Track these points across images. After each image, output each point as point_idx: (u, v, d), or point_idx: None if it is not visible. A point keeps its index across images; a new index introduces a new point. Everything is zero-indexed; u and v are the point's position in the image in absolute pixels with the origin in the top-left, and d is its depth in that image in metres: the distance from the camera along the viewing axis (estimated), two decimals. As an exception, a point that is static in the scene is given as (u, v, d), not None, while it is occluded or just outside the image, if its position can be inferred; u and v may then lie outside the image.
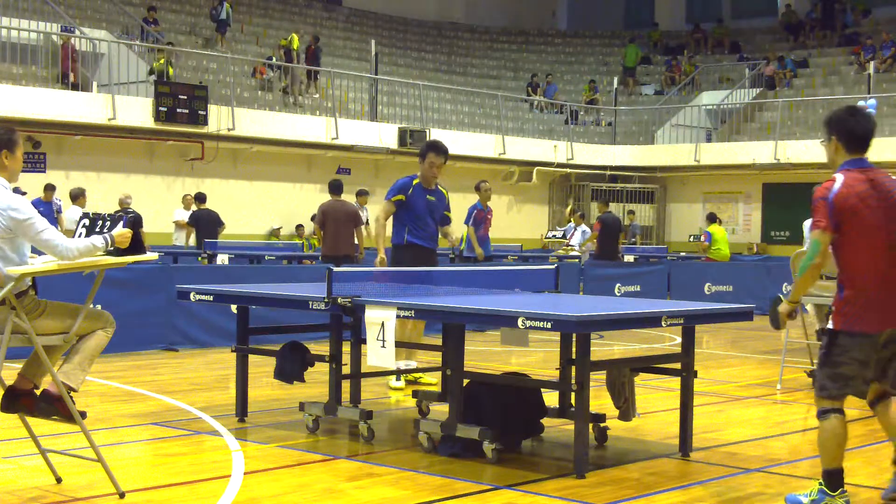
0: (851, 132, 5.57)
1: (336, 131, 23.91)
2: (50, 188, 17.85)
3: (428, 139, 25.27)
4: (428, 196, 9.47)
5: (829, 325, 5.51)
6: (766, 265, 20.46)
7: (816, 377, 5.56)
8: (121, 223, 5.61)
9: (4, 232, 5.32)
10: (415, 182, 9.50)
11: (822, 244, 5.34)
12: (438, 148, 9.58)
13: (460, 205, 28.02)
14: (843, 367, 5.42)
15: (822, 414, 5.43)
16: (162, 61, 22.10)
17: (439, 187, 9.63)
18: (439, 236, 9.73)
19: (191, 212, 19.67)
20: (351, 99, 26.42)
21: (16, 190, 5.66)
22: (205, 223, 18.74)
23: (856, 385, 5.47)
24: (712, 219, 21.49)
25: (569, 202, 26.62)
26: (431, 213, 9.50)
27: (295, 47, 26.21)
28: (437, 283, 8.00)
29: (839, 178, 5.44)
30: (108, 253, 5.58)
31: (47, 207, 17.06)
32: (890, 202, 5.49)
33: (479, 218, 16.21)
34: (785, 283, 17.53)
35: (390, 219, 9.56)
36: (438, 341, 8.29)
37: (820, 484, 5.45)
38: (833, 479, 5.42)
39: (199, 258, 17.10)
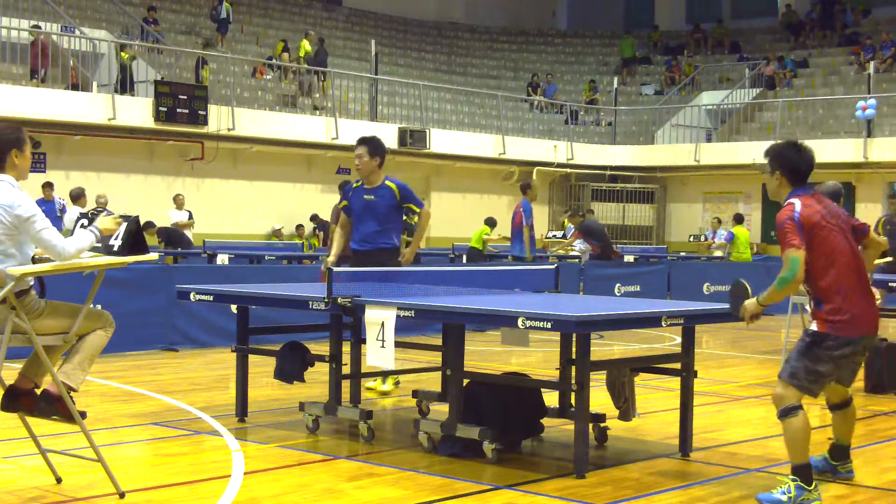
0: (797, 167, 5.77)
1: (336, 131, 23.91)
2: (48, 186, 17.83)
3: (427, 139, 25.34)
4: (365, 196, 8.98)
5: (814, 328, 5.61)
6: (765, 265, 20.45)
7: (790, 363, 5.66)
8: (123, 225, 5.61)
9: (9, 229, 5.33)
10: (356, 185, 9.12)
11: (800, 260, 5.52)
12: (360, 140, 9.08)
13: (459, 205, 28.07)
14: (821, 363, 5.60)
15: (790, 411, 5.55)
16: (127, 56, 21.91)
17: (388, 183, 8.99)
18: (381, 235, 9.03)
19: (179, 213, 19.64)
20: (351, 99, 26.42)
21: None
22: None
23: (823, 384, 5.70)
24: (739, 220, 21.57)
25: (566, 212, 26.45)
26: (370, 214, 8.98)
27: (302, 54, 26.08)
28: (437, 284, 7.99)
29: (796, 201, 5.65)
30: (109, 250, 5.58)
31: (49, 206, 17.06)
32: (842, 219, 5.76)
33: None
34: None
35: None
36: (438, 341, 8.28)
37: (793, 480, 5.52)
38: (806, 473, 5.55)
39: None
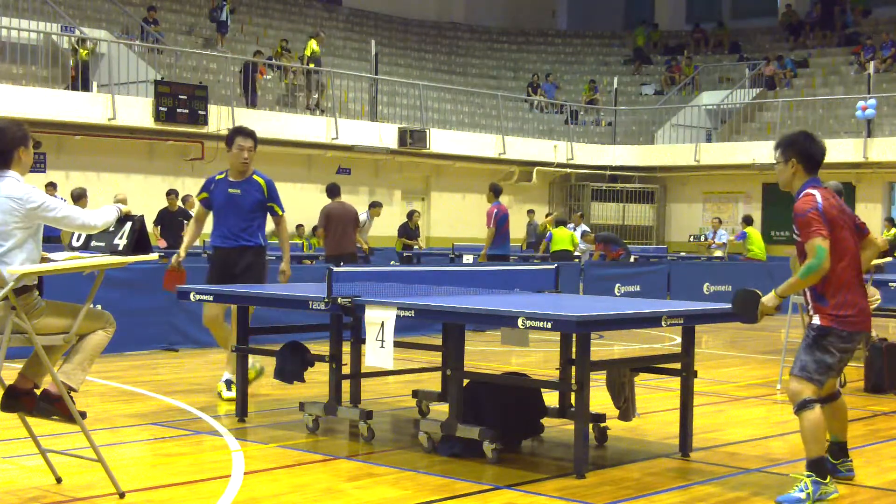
0: (812, 155, 5.81)
1: (336, 131, 23.90)
2: (51, 186, 17.83)
3: (427, 139, 25.33)
4: (230, 189, 8.64)
5: (817, 322, 5.62)
6: (766, 265, 20.47)
7: (800, 357, 5.69)
8: (128, 224, 5.64)
9: (22, 221, 5.38)
10: (219, 177, 8.74)
11: (827, 250, 5.52)
12: (245, 131, 8.75)
13: (459, 205, 28.04)
14: (829, 355, 5.65)
15: (807, 404, 5.58)
16: (85, 52, 21.74)
17: (256, 177, 8.69)
18: (247, 231, 8.73)
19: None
20: (351, 99, 26.42)
21: None
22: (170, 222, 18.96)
23: (831, 375, 5.74)
24: (749, 221, 21.84)
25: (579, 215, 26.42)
26: (234, 208, 8.65)
27: (308, 53, 25.96)
28: (437, 284, 7.98)
29: (816, 193, 5.67)
30: (113, 250, 5.61)
31: None
32: (848, 215, 5.82)
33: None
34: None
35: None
36: (438, 341, 8.28)
37: (808, 476, 5.53)
38: (822, 466, 5.58)
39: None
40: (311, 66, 25.66)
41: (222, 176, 8.76)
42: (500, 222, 15.77)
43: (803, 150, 5.77)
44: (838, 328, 5.59)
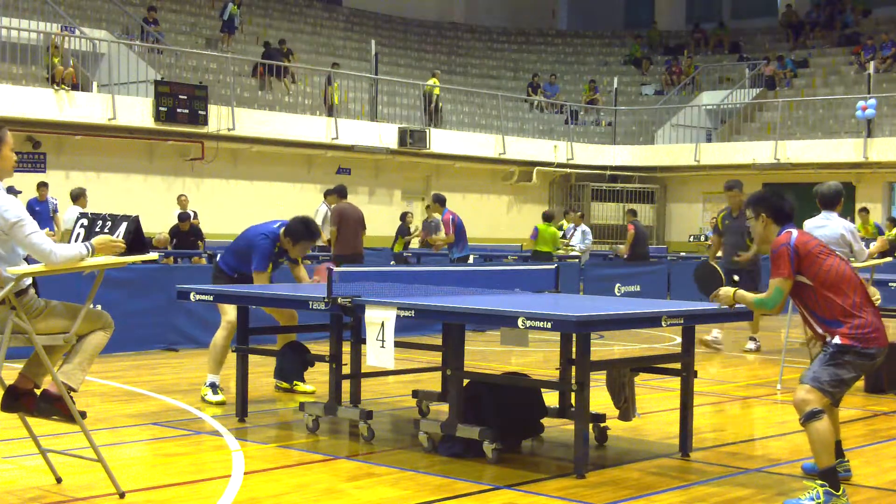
0: (781, 208, 5.92)
1: (336, 131, 23.91)
2: (43, 186, 17.64)
3: (427, 139, 25.33)
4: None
5: (837, 341, 5.63)
6: (766, 265, 20.44)
7: (813, 369, 5.68)
8: (124, 224, 5.60)
9: None
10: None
11: (784, 291, 5.68)
12: (315, 236, 8.87)
13: (459, 205, 27.98)
14: (846, 371, 5.63)
15: (815, 415, 5.55)
16: (57, 59, 21.50)
17: None
18: None
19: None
20: (351, 99, 26.42)
21: (10, 189, 5.61)
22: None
23: (844, 391, 5.75)
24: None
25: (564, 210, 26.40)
26: None
27: (428, 90, 26.43)
28: (437, 284, 7.98)
29: (793, 230, 5.80)
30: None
31: (43, 206, 16.98)
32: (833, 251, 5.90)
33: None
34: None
35: None
36: (438, 341, 8.29)
37: (821, 486, 5.49)
38: (834, 478, 5.54)
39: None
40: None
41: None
42: (458, 228, 16.75)
43: (772, 205, 5.89)
44: (859, 346, 5.60)
